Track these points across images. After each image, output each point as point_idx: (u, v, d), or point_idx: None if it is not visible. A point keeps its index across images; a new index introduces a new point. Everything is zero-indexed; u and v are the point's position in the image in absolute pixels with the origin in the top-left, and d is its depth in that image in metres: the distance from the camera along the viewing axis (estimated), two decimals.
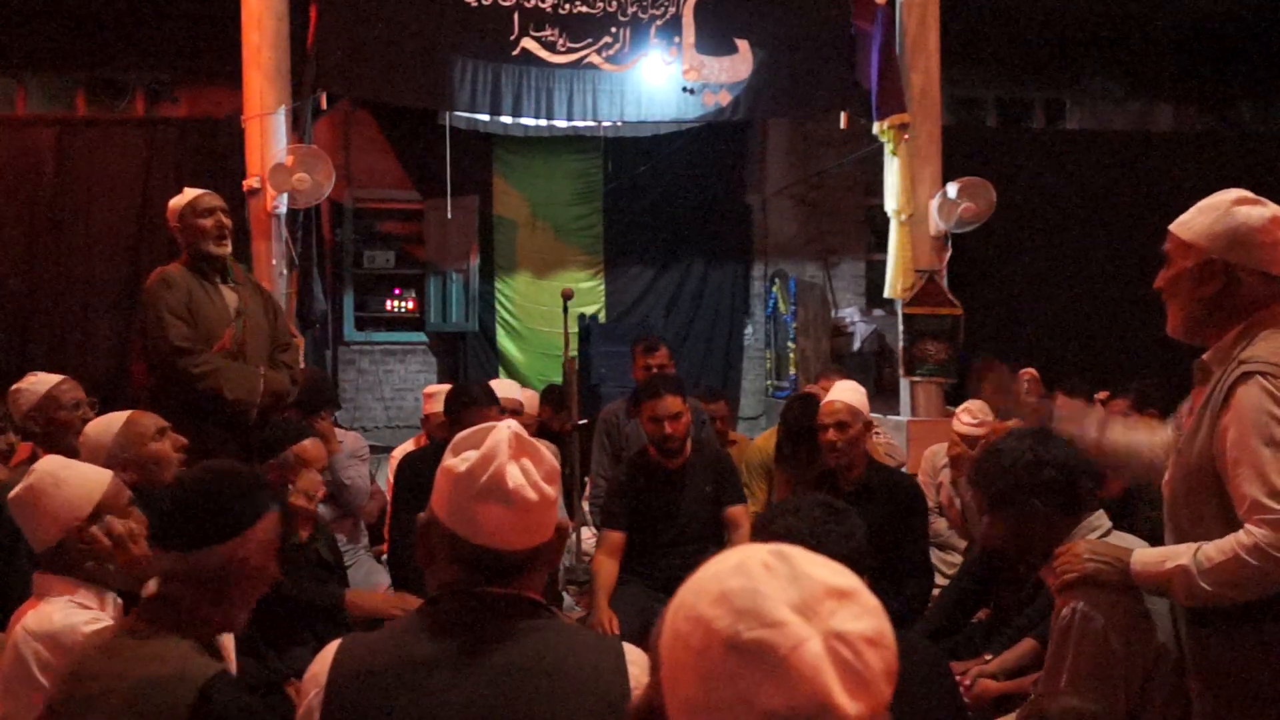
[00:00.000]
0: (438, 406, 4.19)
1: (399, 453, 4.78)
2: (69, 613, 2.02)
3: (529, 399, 5.12)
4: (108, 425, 2.81)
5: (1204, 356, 1.94)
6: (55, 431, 3.33)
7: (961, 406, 4.29)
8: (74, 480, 2.14)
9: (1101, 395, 5.04)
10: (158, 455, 2.78)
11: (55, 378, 3.45)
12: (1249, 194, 1.90)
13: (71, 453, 2.71)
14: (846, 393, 3.83)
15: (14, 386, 3.47)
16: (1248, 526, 1.74)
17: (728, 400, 6.04)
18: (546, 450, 1.48)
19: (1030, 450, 2.07)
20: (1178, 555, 1.83)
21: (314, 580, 3.09)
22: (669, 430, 3.67)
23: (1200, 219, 1.89)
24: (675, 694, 0.83)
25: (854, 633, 0.80)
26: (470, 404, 3.64)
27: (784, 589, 0.81)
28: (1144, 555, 1.91)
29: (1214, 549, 1.78)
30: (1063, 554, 2.00)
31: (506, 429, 1.44)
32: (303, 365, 5.44)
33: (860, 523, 1.76)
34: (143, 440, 2.77)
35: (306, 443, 3.07)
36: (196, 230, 3.70)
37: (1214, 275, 1.87)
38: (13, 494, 2.16)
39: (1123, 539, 2.14)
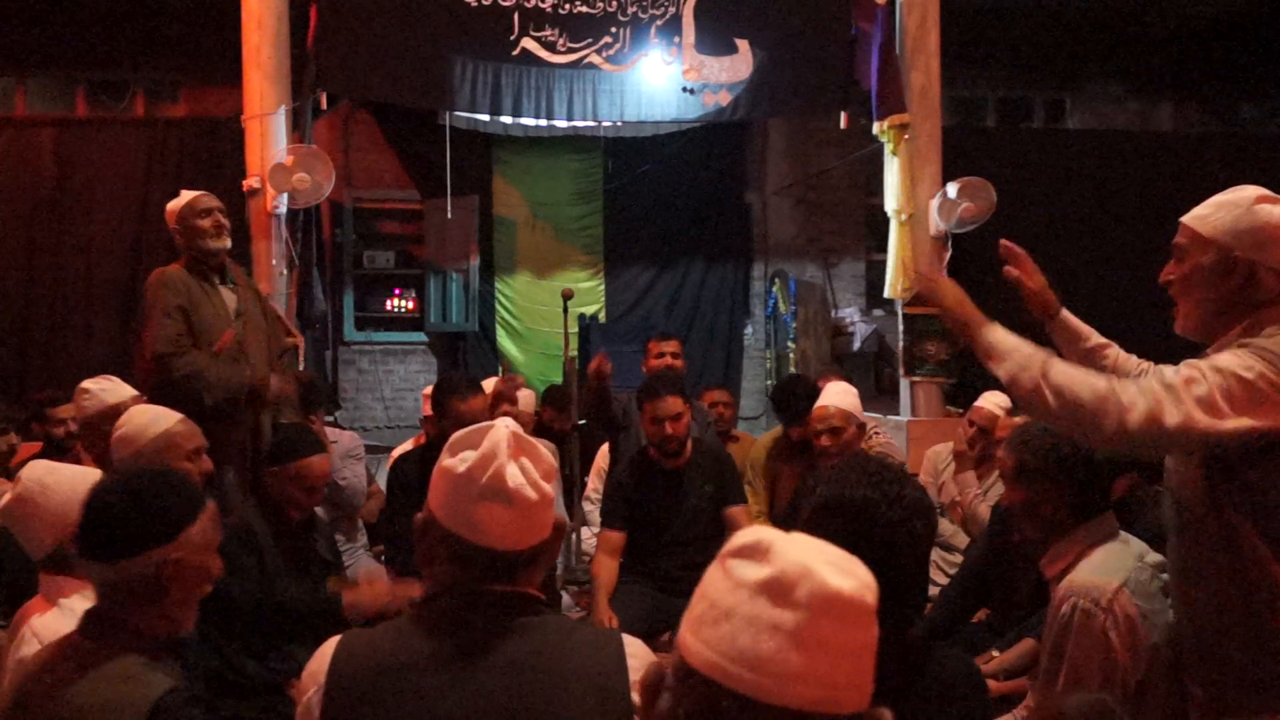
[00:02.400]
0: None
1: (399, 453, 4.77)
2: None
3: (527, 399, 5.12)
4: (149, 423, 2.72)
5: (1207, 351, 1.94)
6: (105, 447, 3.14)
7: (986, 394, 4.33)
8: (63, 486, 2.09)
9: None
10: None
11: (127, 392, 3.33)
12: (1267, 191, 1.89)
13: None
14: (839, 396, 3.80)
15: (83, 384, 3.36)
16: (1129, 383, 1.77)
17: (731, 390, 6.06)
18: (543, 448, 1.47)
19: (1072, 444, 2.07)
20: (1047, 354, 1.85)
21: (314, 581, 3.08)
22: (669, 431, 3.67)
23: (1221, 215, 1.88)
24: (699, 632, 0.94)
25: (838, 552, 0.94)
26: (455, 393, 3.64)
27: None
28: (1005, 335, 1.89)
29: (1081, 370, 1.82)
30: (934, 287, 2.02)
31: (504, 428, 1.43)
32: (302, 366, 5.46)
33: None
34: (175, 456, 2.71)
35: (312, 459, 3.02)
36: (195, 230, 3.70)
37: (1233, 271, 1.86)
38: (2, 505, 2.13)
39: (1127, 541, 2.14)
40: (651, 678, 0.97)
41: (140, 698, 1.52)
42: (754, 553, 0.93)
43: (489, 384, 4.42)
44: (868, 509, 1.55)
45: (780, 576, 0.91)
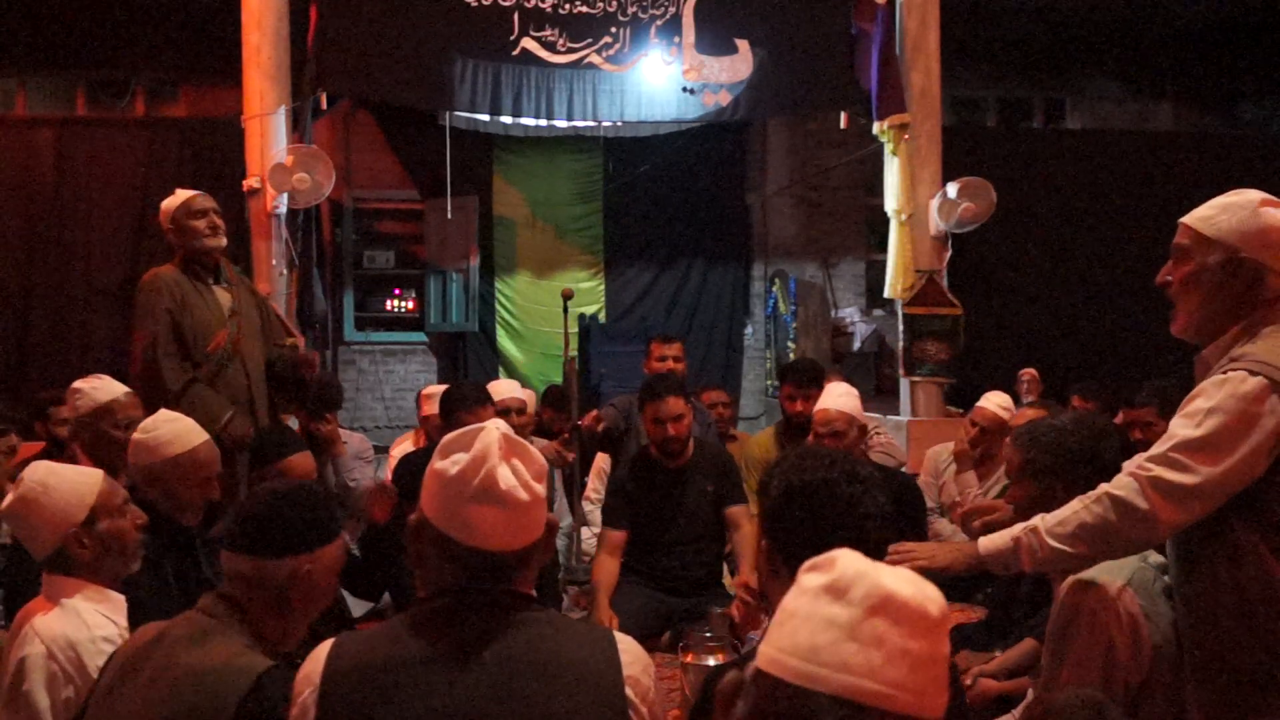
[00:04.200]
0: (436, 408, 4.19)
1: (398, 450, 4.78)
2: (87, 621, 2.00)
3: (528, 399, 5.12)
4: (172, 440, 2.67)
5: (1203, 352, 1.94)
6: (101, 445, 3.17)
7: (988, 395, 4.35)
8: (64, 486, 2.09)
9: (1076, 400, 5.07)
10: (184, 497, 2.69)
11: (119, 389, 3.27)
12: (1268, 195, 1.90)
13: (113, 472, 2.60)
14: (840, 399, 3.78)
15: (75, 384, 3.32)
16: (1126, 473, 1.80)
17: (728, 390, 6.07)
18: (535, 449, 1.48)
19: (1080, 442, 2.08)
20: (1030, 522, 1.89)
21: None
22: (671, 432, 3.67)
23: (1226, 217, 1.87)
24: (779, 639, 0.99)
25: (909, 572, 1.00)
26: (463, 404, 3.64)
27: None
28: (991, 537, 1.95)
29: (1067, 507, 1.85)
30: (907, 551, 2.02)
31: (495, 429, 1.44)
32: None
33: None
34: (186, 480, 2.65)
35: (293, 459, 3.02)
36: (189, 231, 3.68)
37: (1240, 273, 1.86)
38: (3, 506, 2.11)
39: None
40: (729, 686, 1.02)
41: (247, 668, 1.60)
42: (821, 564, 1.00)
43: (495, 387, 4.40)
44: (827, 488, 1.61)
45: (839, 578, 0.97)
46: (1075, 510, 1.83)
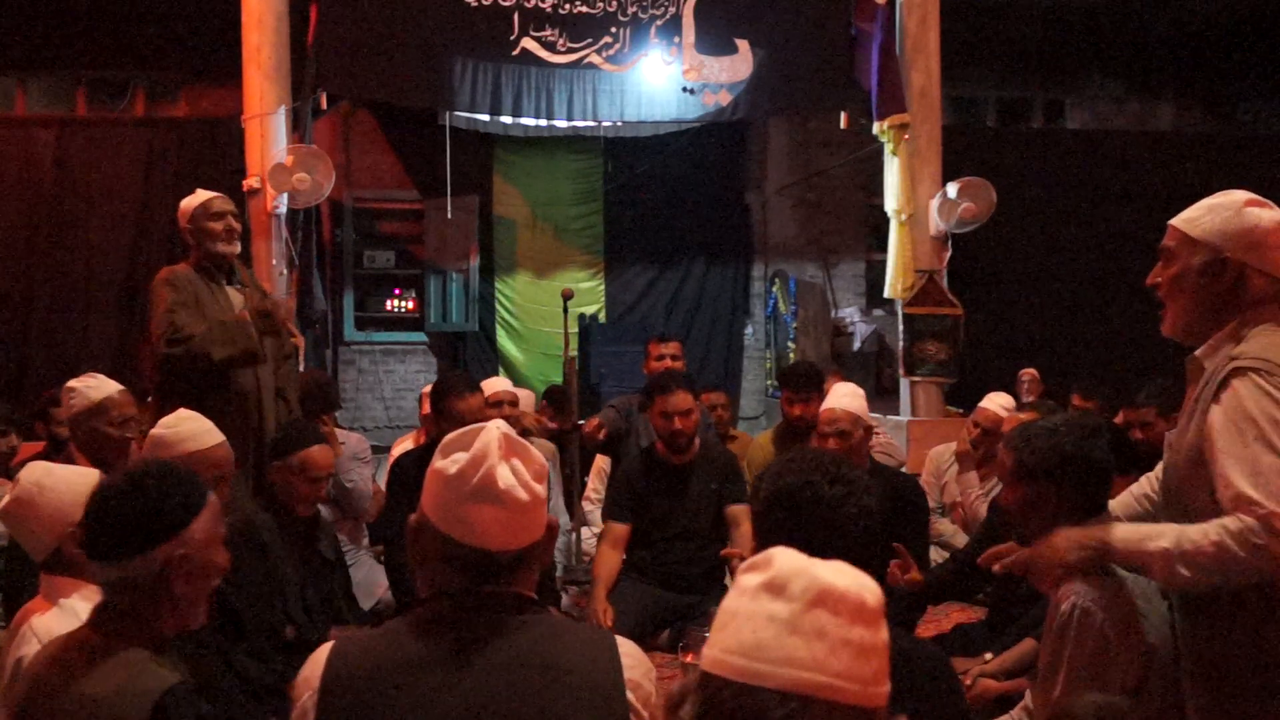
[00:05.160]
0: None
1: (398, 450, 4.78)
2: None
3: (527, 399, 5.13)
4: (186, 438, 2.67)
5: (1196, 353, 1.94)
6: (96, 443, 3.16)
7: (990, 395, 4.37)
8: (60, 487, 2.09)
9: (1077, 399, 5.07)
10: None
11: (113, 387, 3.25)
12: (1256, 196, 1.90)
13: (109, 469, 2.58)
14: (846, 399, 3.77)
15: (69, 383, 3.30)
16: (1237, 514, 1.73)
17: (727, 392, 6.07)
18: (535, 449, 1.47)
19: (1073, 442, 2.07)
20: (1161, 536, 1.82)
21: (315, 577, 3.08)
22: (679, 426, 3.70)
23: (1210, 218, 1.88)
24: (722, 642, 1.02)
25: (844, 564, 1.02)
26: (452, 392, 3.65)
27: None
28: (1126, 533, 1.89)
29: (1198, 533, 1.77)
30: (1043, 551, 1.98)
31: (495, 429, 1.44)
32: (303, 366, 5.46)
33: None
34: (208, 472, 2.63)
35: (314, 449, 3.03)
36: (205, 232, 3.70)
37: (1224, 273, 1.86)
38: (1, 507, 2.11)
39: None
40: (676, 692, 1.03)
41: (147, 689, 1.54)
42: (759, 564, 1.01)
43: (486, 384, 4.40)
44: (808, 489, 1.62)
45: (777, 575, 0.97)
46: (1212, 541, 1.74)
